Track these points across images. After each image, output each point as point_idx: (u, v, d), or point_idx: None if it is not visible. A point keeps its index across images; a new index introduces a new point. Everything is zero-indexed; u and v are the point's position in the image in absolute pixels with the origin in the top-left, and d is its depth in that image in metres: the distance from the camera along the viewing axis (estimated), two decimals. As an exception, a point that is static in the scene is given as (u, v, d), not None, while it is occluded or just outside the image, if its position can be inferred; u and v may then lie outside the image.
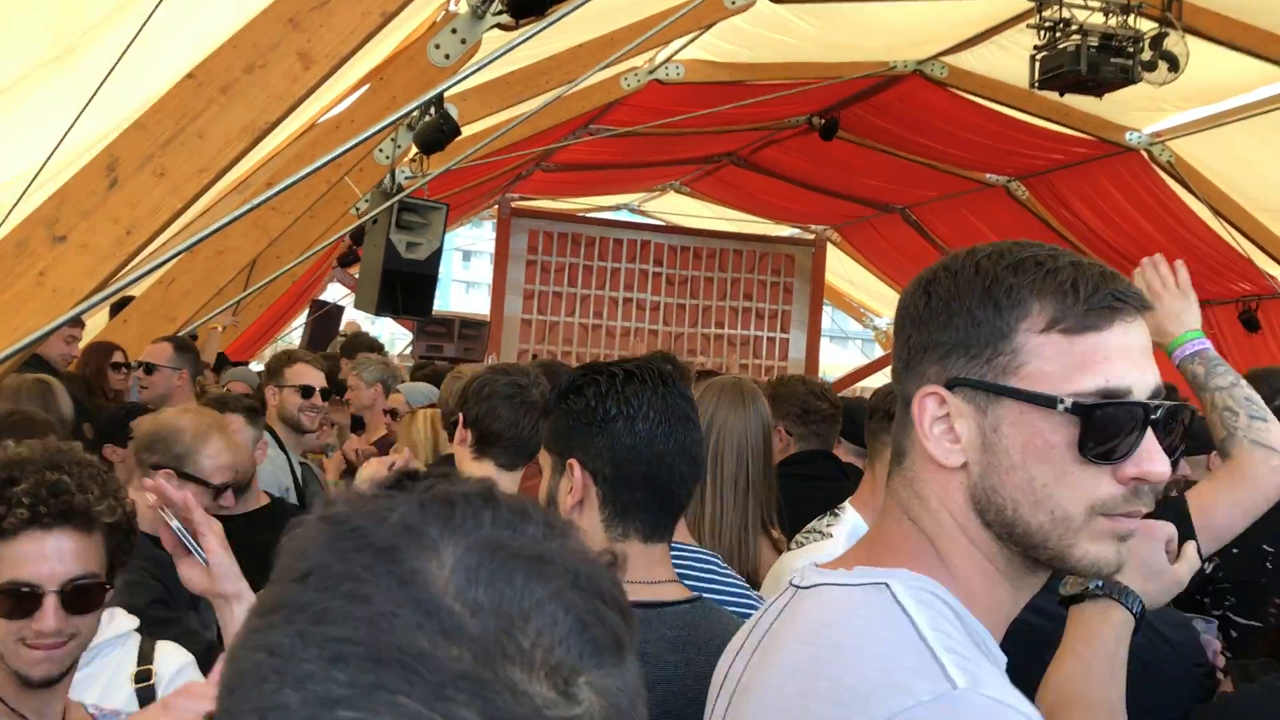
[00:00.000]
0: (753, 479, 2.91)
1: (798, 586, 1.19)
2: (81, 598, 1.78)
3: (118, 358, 5.63)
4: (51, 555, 1.76)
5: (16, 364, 2.95)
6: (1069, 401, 1.06)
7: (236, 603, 1.82)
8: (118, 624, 2.30)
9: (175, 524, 1.84)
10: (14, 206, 2.80)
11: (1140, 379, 1.08)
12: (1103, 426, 1.06)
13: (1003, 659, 1.10)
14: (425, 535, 0.61)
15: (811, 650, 1.09)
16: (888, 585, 1.09)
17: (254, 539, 3.11)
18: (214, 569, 1.82)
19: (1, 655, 1.77)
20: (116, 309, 6.38)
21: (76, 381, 4.91)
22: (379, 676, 0.56)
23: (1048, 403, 1.06)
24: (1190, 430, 1.14)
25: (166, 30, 3.01)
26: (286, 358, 4.96)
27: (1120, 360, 1.07)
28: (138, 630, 2.29)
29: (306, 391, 4.66)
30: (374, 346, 7.11)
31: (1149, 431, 1.07)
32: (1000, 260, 1.11)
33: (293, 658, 0.58)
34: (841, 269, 14.93)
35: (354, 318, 12.35)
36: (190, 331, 6.03)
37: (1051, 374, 1.07)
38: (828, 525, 2.73)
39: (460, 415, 2.79)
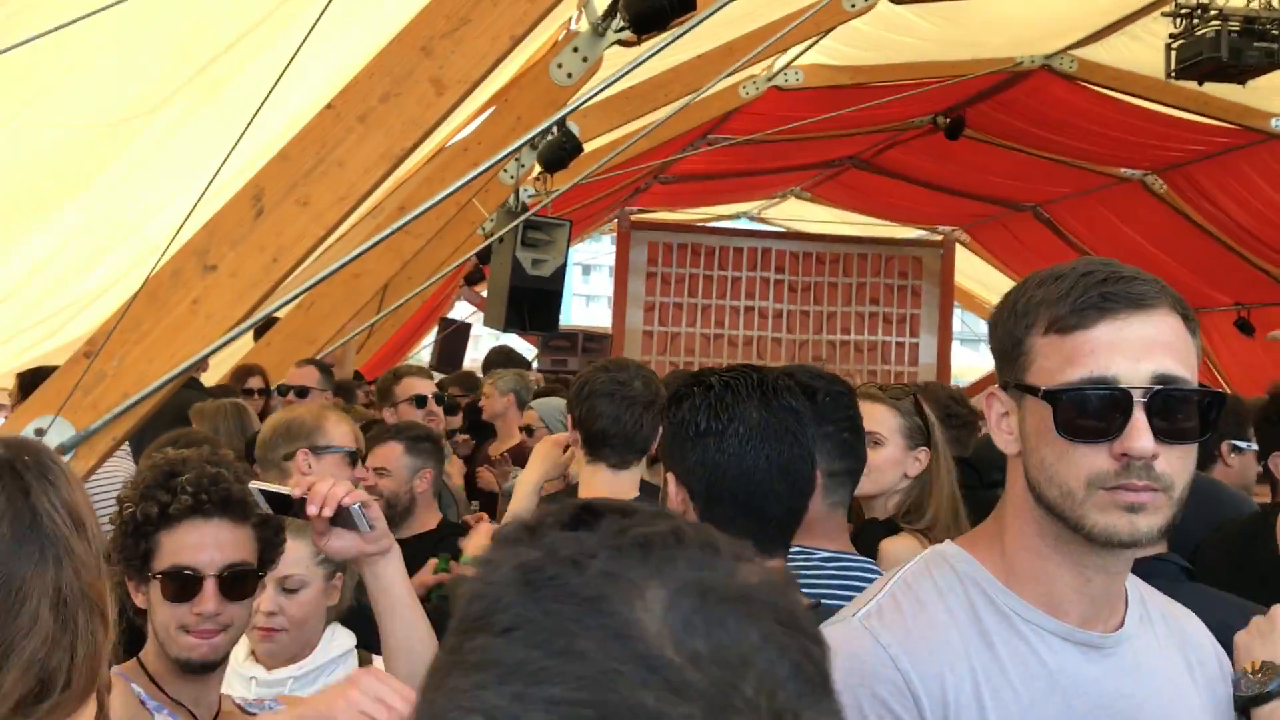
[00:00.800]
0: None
1: None
2: (238, 584, 1.89)
3: (253, 383, 5.80)
4: (210, 542, 1.88)
5: (175, 388, 3.07)
6: (1042, 389, 1.25)
7: (390, 556, 1.91)
8: (339, 643, 2.41)
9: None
10: (171, 240, 2.92)
11: (1132, 368, 1.21)
12: (1073, 409, 1.23)
13: (1031, 624, 1.29)
14: (628, 581, 0.59)
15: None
16: (927, 551, 1.41)
17: (416, 563, 3.17)
18: (376, 530, 1.88)
19: (162, 643, 1.88)
20: (259, 332, 6.61)
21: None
22: None
23: (1032, 392, 1.27)
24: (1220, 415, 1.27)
25: (303, 59, 3.10)
26: (393, 376, 5.06)
27: (1109, 353, 1.22)
28: (357, 646, 2.40)
29: (420, 401, 4.76)
30: (519, 362, 7.24)
31: (1136, 413, 1.20)
32: (1033, 279, 1.31)
33: None
34: (971, 270, 14.58)
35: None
36: (328, 351, 6.21)
37: (1049, 369, 1.25)
38: None
39: (569, 418, 2.79)
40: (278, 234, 3.18)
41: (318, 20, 2.91)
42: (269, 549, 1.98)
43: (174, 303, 3.14)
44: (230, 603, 1.88)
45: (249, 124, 2.75)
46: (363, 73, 3.24)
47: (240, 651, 2.39)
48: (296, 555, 2.35)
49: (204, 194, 2.74)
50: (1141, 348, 1.22)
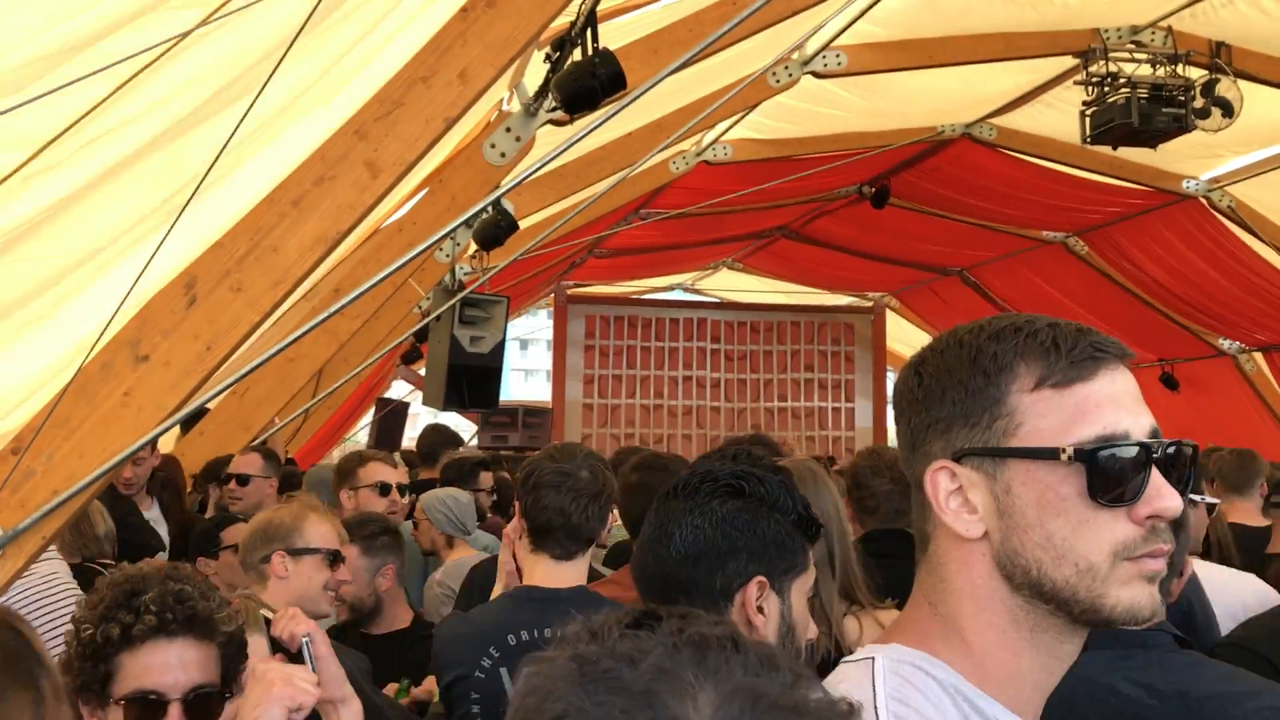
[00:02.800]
0: (833, 556, 2.87)
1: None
2: (203, 706, 1.81)
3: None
4: (175, 663, 1.80)
5: (105, 484, 2.99)
6: (1071, 450, 1.08)
7: (344, 708, 1.85)
8: None
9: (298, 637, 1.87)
10: (101, 334, 2.86)
11: (1135, 422, 1.10)
12: (1108, 469, 1.08)
13: None
14: (681, 679, 0.59)
15: None
16: (874, 659, 1.14)
17: (391, 659, 3.10)
18: (323, 675, 1.83)
19: None
20: (187, 424, 6.44)
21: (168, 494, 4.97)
22: None
23: (1051, 455, 1.09)
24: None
25: (249, 155, 3.10)
26: (358, 458, 4.95)
27: (1111, 406, 1.10)
28: None
29: (384, 489, 4.66)
30: (455, 441, 7.14)
31: (1153, 470, 1.09)
32: (981, 332, 1.16)
33: None
34: (902, 334, 14.83)
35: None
36: (263, 440, 6.10)
37: (1049, 429, 1.10)
38: None
39: (515, 505, 2.75)
40: (211, 321, 3.14)
41: (248, 110, 2.91)
42: (232, 667, 1.90)
43: (104, 395, 3.08)
44: None
45: (181, 212, 2.73)
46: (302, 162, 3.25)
47: None
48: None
49: (132, 288, 2.70)
50: (1134, 400, 1.12)
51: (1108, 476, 1.08)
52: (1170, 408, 11.29)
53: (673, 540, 1.69)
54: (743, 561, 1.67)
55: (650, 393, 13.46)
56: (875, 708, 1.08)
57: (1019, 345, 1.13)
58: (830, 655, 2.78)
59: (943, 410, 1.15)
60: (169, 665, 1.79)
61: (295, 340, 3.43)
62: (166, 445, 6.42)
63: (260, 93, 2.83)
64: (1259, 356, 10.16)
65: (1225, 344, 10.29)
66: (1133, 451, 1.08)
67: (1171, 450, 1.11)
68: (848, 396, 13.71)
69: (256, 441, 5.89)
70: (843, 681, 1.14)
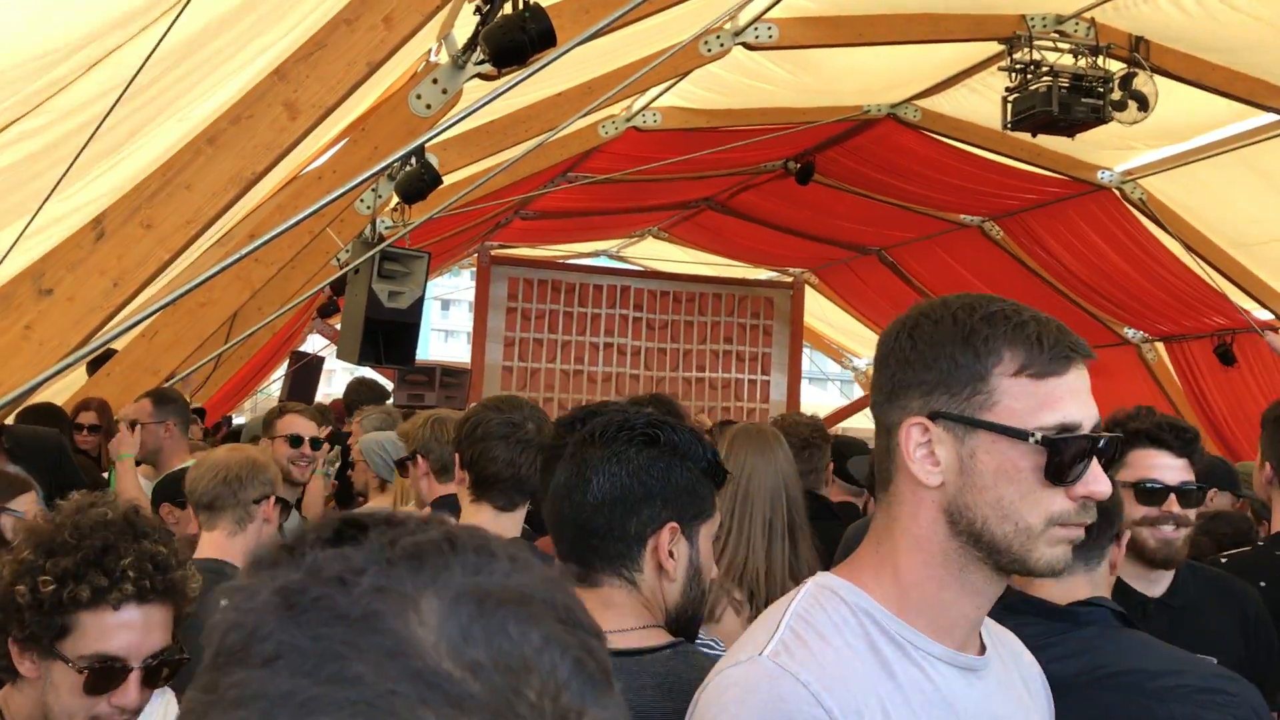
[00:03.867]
0: (786, 523, 2.93)
1: None
2: (159, 672, 1.74)
3: (83, 418, 5.53)
4: (141, 628, 1.72)
5: (4, 417, 2.92)
6: (1039, 435, 1.26)
7: None
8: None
9: None
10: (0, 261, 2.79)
11: (1087, 414, 1.29)
12: (1063, 455, 1.26)
13: (921, 651, 1.31)
14: (400, 594, 0.55)
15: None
16: (804, 585, 1.36)
17: None
18: None
19: None
20: (94, 365, 6.30)
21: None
22: None
23: (1020, 436, 1.26)
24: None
25: (171, 95, 3.03)
26: (278, 410, 4.94)
27: (1072, 400, 1.28)
28: None
29: (295, 441, 4.62)
30: (381, 396, 7.07)
31: (1094, 458, 1.28)
32: (974, 313, 1.31)
33: None
34: (820, 311, 15.02)
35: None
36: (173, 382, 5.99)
37: (1020, 411, 1.27)
38: None
39: (457, 456, 2.75)
40: (119, 257, 3.08)
41: (152, 50, 2.84)
42: (178, 625, 1.82)
43: (4, 328, 3.01)
44: (149, 690, 1.73)
45: (87, 142, 2.66)
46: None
47: None
48: None
49: (34, 216, 2.63)
50: (1088, 395, 1.31)
51: (1061, 460, 1.26)
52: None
53: (590, 486, 1.72)
54: (656, 508, 1.72)
55: (571, 358, 13.44)
56: (779, 621, 1.30)
57: (1008, 333, 1.29)
58: None
59: (929, 375, 1.30)
60: (134, 630, 1.70)
61: (206, 280, 3.37)
62: (73, 386, 6.27)
63: (172, 25, 2.76)
64: (1160, 346, 10.49)
65: (1130, 333, 10.61)
66: (1085, 442, 1.27)
67: (1110, 442, 1.30)
68: (764, 369, 13.85)
69: (167, 385, 5.78)
70: (778, 605, 1.35)
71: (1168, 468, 2.61)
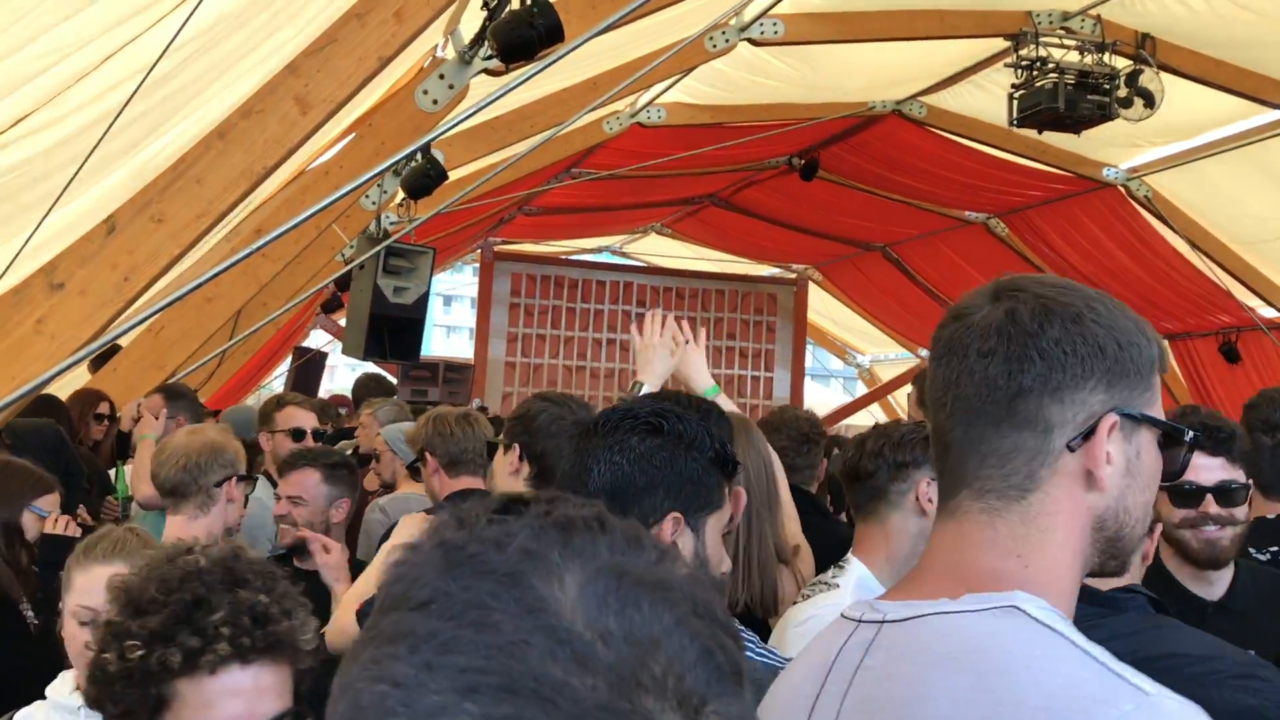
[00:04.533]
0: (759, 512, 2.90)
1: (880, 621, 1.18)
2: None
3: (102, 408, 5.58)
4: (250, 692, 1.49)
5: (16, 411, 2.93)
6: (1190, 435, 1.22)
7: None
8: None
9: None
10: (14, 259, 2.79)
11: None
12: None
13: None
14: (547, 560, 0.60)
15: (970, 679, 1.08)
16: (1018, 608, 1.10)
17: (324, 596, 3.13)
18: None
19: None
20: (97, 361, 6.28)
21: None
22: (515, 708, 0.54)
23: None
24: None
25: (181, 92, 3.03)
26: (276, 402, 4.91)
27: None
28: None
29: (298, 434, 4.62)
30: (389, 391, 7.07)
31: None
32: (1117, 309, 1.21)
33: (421, 689, 0.55)
34: (824, 307, 15.01)
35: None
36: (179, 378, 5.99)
37: (1157, 413, 1.21)
38: (833, 577, 2.68)
39: (517, 447, 2.74)
40: (130, 251, 3.09)
41: (172, 39, 2.84)
42: (305, 680, 1.59)
43: (16, 322, 3.01)
44: None
45: (99, 142, 2.66)
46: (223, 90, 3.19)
47: (67, 685, 2.22)
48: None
49: (48, 214, 2.64)
50: None
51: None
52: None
53: (590, 476, 1.69)
54: (659, 498, 1.68)
55: (574, 354, 13.44)
56: (1097, 660, 1.06)
57: (1148, 329, 1.22)
58: (749, 608, 2.83)
59: (1113, 365, 1.17)
60: (241, 696, 1.48)
61: (214, 277, 3.37)
62: (77, 382, 6.28)
63: (185, 23, 2.76)
64: (1165, 344, 10.47)
65: (1134, 330, 10.59)
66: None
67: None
68: (767, 366, 13.84)
69: (171, 381, 5.79)
70: (1007, 631, 1.09)
71: (1203, 468, 2.56)
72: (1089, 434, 1.15)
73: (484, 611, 0.58)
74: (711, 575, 0.59)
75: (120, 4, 2.67)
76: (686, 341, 3.03)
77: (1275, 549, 2.97)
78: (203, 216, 3.05)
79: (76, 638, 2.07)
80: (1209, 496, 2.54)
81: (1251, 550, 2.92)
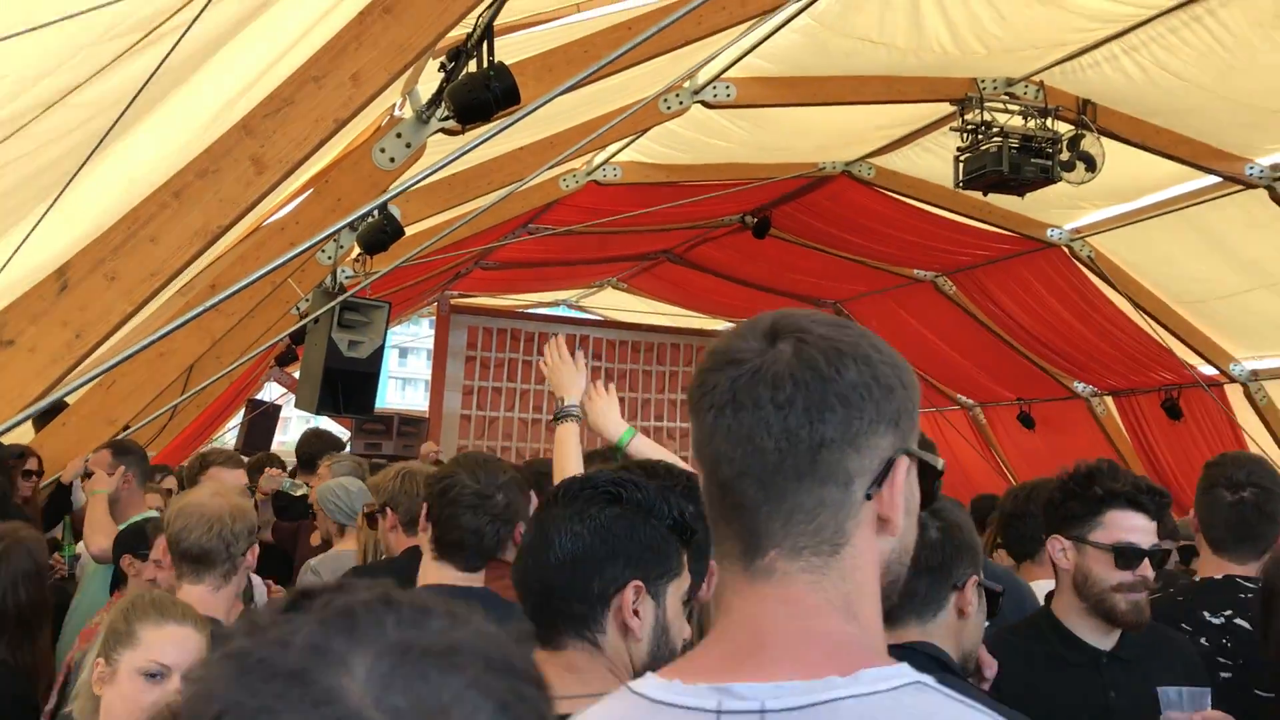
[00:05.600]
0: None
1: (756, 711, 1.03)
2: None
3: (30, 464, 5.46)
4: None
5: (-38, 470, 2.91)
6: (941, 465, 1.17)
7: None
8: None
9: None
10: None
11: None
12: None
13: None
14: (331, 651, 0.60)
15: None
16: (923, 682, 1.04)
17: None
18: None
19: None
20: (42, 419, 6.15)
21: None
22: None
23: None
24: None
25: (126, 145, 3.06)
26: (199, 464, 4.79)
27: None
28: None
29: None
30: (336, 446, 7.03)
31: None
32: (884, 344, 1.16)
33: None
34: (777, 362, 15.12)
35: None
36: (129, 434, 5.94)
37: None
38: None
39: (424, 507, 2.77)
40: (82, 309, 3.10)
41: (133, 100, 2.88)
42: None
43: (-36, 378, 3.00)
44: None
45: (55, 199, 2.69)
46: (180, 150, 3.22)
47: None
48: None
49: (3, 266, 2.65)
50: None
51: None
52: (1026, 444, 11.79)
53: (552, 546, 1.72)
54: (620, 567, 1.71)
55: (529, 407, 13.46)
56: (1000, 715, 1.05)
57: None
58: None
59: (901, 405, 1.12)
60: None
61: (167, 334, 3.38)
62: (24, 438, 6.19)
63: (150, 79, 2.81)
64: (1109, 400, 10.69)
65: (1079, 387, 10.80)
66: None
67: None
68: (723, 420, 13.94)
69: (122, 437, 5.73)
70: (939, 709, 1.03)
71: (1144, 530, 2.59)
72: (884, 478, 1.09)
73: (272, 715, 0.58)
74: (519, 627, 0.61)
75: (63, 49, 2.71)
76: (597, 394, 3.11)
77: (1229, 613, 2.99)
78: (156, 275, 3.07)
79: (132, 698, 2.04)
80: (1145, 560, 2.57)
81: (1206, 614, 2.93)
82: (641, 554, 1.73)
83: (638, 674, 1.67)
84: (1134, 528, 2.58)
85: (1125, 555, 2.55)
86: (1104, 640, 2.63)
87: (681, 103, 6.98)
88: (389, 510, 3.46)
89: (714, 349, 1.16)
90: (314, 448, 6.76)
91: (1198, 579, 3.12)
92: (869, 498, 1.09)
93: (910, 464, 1.12)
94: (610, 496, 1.76)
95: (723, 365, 1.12)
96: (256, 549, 2.95)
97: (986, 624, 2.21)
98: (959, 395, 12.64)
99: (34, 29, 2.42)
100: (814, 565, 1.08)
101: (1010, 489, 4.33)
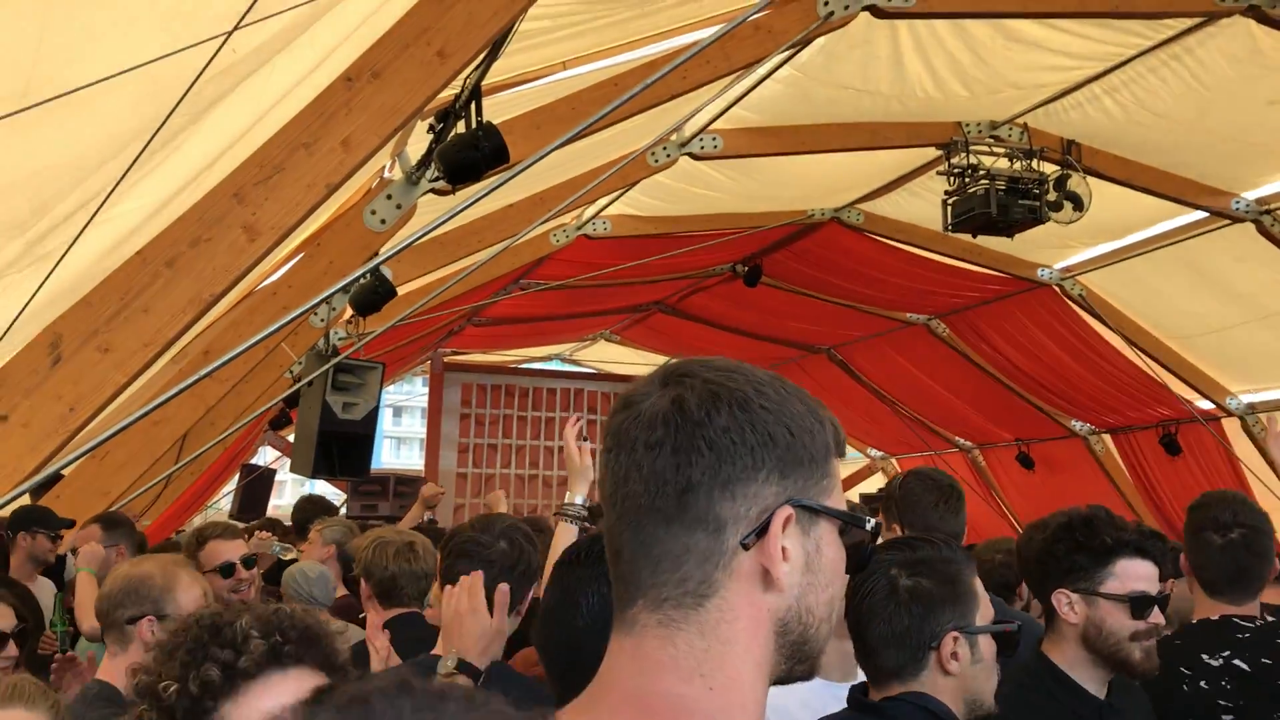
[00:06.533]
0: None
1: None
2: None
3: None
4: (294, 698, 1.35)
5: (-45, 549, 2.87)
6: (872, 523, 1.11)
7: None
8: None
9: None
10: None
11: None
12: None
13: None
14: None
15: None
16: None
17: None
18: None
19: None
20: (38, 492, 6.09)
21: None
22: None
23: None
24: None
25: (119, 213, 3.06)
26: (196, 540, 4.73)
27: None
28: None
29: (226, 570, 4.49)
30: (330, 511, 6.98)
31: None
32: (798, 390, 1.13)
33: None
34: (773, 410, 15.12)
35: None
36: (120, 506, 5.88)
37: (838, 499, 1.10)
38: None
39: (439, 561, 2.73)
40: (75, 382, 3.07)
41: (127, 170, 2.88)
42: None
43: (-43, 455, 2.97)
44: None
45: (51, 272, 2.68)
46: (176, 221, 3.21)
47: None
48: None
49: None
50: None
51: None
52: (1026, 485, 11.75)
53: (579, 609, 1.66)
54: None
55: (525, 463, 13.42)
56: None
57: (821, 408, 1.13)
58: None
59: (785, 453, 1.07)
60: (287, 703, 1.35)
61: (162, 404, 3.36)
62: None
63: (142, 150, 2.81)
64: (1107, 438, 10.68)
65: (1077, 425, 10.79)
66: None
67: None
68: (720, 470, 13.90)
69: (115, 508, 5.68)
70: None
71: (1151, 577, 2.56)
72: (763, 529, 1.04)
73: None
74: (542, 711, 0.60)
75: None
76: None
77: (1227, 653, 2.96)
78: (150, 345, 3.05)
79: None
80: (1155, 607, 2.53)
81: (1204, 656, 2.90)
82: None
83: None
84: (1144, 575, 2.55)
85: (1140, 605, 2.51)
86: (1100, 691, 2.59)
87: (669, 155, 7.02)
88: (363, 580, 3.41)
89: (622, 393, 1.13)
90: (307, 514, 6.70)
91: (1194, 621, 3.10)
92: (746, 548, 1.04)
93: (805, 517, 1.06)
94: None
95: (620, 409, 1.10)
96: (147, 623, 2.79)
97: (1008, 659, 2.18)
98: (957, 438, 12.62)
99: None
100: (671, 619, 1.05)
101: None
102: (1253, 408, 8.85)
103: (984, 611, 2.15)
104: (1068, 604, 2.59)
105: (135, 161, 2.82)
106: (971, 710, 2.07)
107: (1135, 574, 2.54)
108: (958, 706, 2.04)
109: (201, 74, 2.69)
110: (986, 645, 2.11)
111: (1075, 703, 2.54)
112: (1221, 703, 2.85)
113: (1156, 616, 2.52)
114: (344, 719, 0.63)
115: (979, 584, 2.18)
